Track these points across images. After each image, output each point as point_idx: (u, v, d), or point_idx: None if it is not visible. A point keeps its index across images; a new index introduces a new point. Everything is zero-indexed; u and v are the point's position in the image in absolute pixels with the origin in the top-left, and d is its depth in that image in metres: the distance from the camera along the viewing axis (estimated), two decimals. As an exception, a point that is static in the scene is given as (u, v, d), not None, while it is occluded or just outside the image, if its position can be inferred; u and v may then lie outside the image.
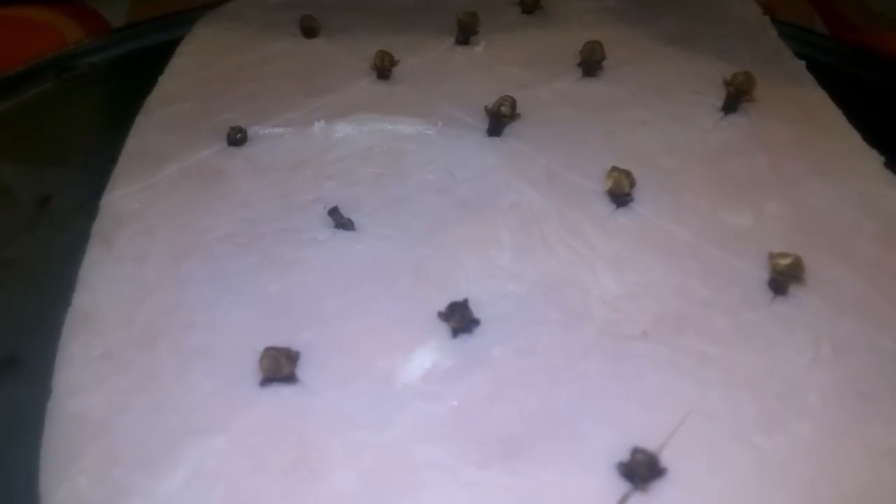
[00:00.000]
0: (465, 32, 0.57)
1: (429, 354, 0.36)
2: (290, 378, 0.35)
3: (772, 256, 0.39)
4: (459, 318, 0.37)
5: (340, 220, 0.42)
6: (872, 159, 0.47)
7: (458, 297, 0.37)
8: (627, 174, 0.43)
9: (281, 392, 0.34)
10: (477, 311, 0.37)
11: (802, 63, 0.56)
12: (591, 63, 0.53)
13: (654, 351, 0.36)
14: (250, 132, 0.48)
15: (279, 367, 0.34)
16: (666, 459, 0.32)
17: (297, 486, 0.31)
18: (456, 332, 0.37)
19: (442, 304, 0.37)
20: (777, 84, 0.52)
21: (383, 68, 0.53)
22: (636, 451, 0.32)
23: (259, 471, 0.32)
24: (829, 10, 0.73)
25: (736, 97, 0.50)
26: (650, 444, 0.32)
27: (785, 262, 0.38)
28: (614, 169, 0.43)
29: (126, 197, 0.44)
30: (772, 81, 0.52)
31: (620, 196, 0.43)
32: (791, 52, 0.57)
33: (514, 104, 0.48)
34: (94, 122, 0.56)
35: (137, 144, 0.48)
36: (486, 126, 0.48)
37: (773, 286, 0.39)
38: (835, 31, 0.73)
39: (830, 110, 0.51)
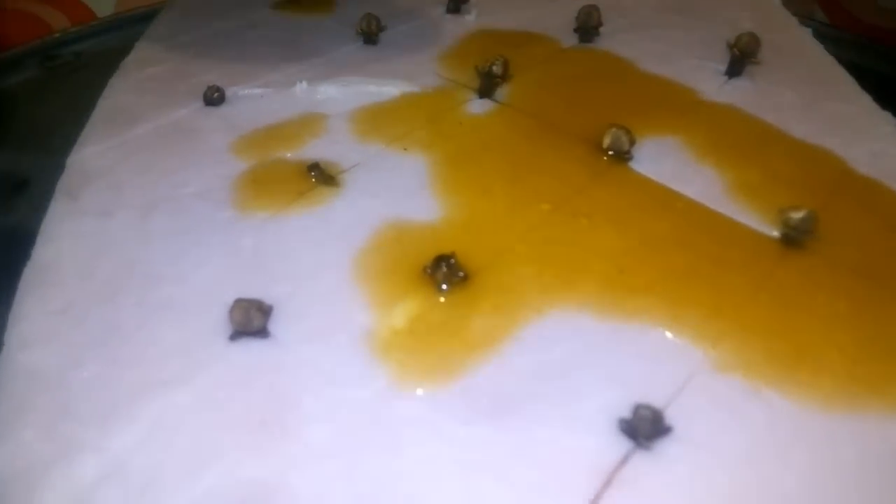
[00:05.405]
0: (457, 0, 0.54)
1: (412, 309, 0.33)
2: (261, 332, 0.32)
3: (783, 210, 0.36)
4: (446, 273, 0.34)
5: (321, 177, 0.39)
6: (885, 121, 0.44)
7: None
8: (627, 131, 0.41)
9: (251, 346, 0.31)
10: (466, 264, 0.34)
11: (809, 30, 0.53)
12: (587, 28, 0.51)
13: (659, 305, 0.33)
14: (228, 93, 0.46)
15: (250, 319, 0.32)
16: (671, 417, 0.29)
17: (266, 443, 0.28)
18: (442, 287, 0.34)
19: (427, 259, 0.34)
20: (783, 50, 0.50)
21: (370, 33, 0.50)
22: (639, 407, 0.29)
23: (225, 426, 0.29)
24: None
25: (741, 59, 0.48)
26: (655, 402, 0.29)
27: (798, 215, 0.36)
28: (612, 125, 0.41)
29: (95, 155, 0.42)
30: (777, 47, 0.50)
31: (620, 153, 0.41)
32: (796, 20, 0.55)
33: (506, 64, 0.46)
34: (77, 111, 0.54)
35: (110, 105, 0.46)
36: (477, 87, 0.46)
37: (786, 240, 0.36)
38: (835, 20, 0.71)
39: (840, 74, 0.49)
